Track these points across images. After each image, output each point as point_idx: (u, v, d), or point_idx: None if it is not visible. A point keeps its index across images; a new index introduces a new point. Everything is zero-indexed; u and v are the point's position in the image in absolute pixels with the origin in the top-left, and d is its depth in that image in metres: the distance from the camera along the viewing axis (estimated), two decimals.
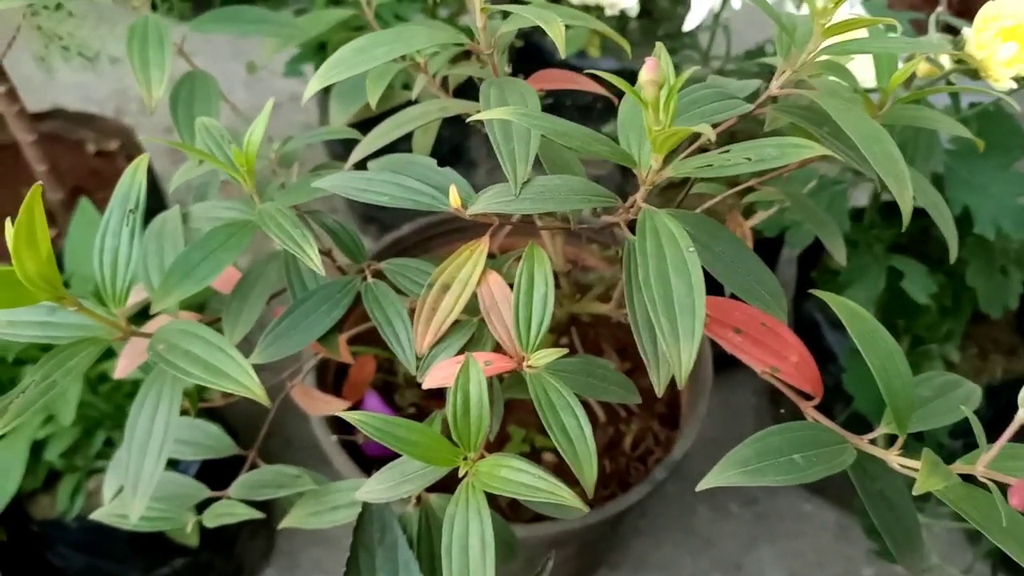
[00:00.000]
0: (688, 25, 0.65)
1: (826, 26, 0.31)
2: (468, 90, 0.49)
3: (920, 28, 0.65)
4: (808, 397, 0.38)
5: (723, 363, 0.64)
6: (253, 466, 0.48)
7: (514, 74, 0.42)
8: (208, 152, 0.38)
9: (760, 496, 0.86)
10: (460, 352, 0.37)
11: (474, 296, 0.36)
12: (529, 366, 0.34)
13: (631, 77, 0.87)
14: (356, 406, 0.61)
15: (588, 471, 0.32)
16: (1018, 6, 0.51)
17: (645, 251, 0.28)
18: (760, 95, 0.41)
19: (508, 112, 0.28)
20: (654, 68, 0.25)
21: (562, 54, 0.31)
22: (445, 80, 0.47)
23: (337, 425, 0.60)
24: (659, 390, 0.32)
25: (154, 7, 0.43)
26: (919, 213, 0.67)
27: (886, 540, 0.38)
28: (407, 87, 0.49)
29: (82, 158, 0.86)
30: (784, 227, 0.70)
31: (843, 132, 0.32)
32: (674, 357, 0.27)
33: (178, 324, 0.35)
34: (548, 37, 0.76)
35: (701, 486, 0.31)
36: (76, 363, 0.33)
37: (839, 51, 0.33)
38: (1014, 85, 0.52)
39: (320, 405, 0.54)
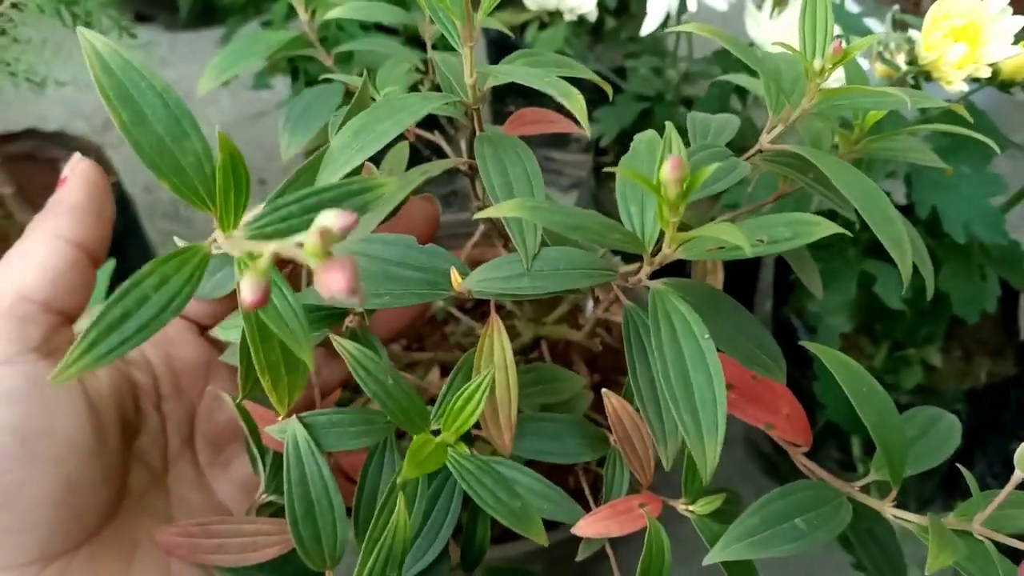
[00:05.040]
0: (645, 29, 0.67)
1: (825, 91, 0.33)
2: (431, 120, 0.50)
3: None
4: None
5: None
6: None
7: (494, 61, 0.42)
8: None
9: (748, 503, 0.89)
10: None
11: None
12: (693, 511, 0.37)
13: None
14: None
15: None
16: (970, 4, 0.53)
17: (661, 343, 0.29)
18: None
19: (519, 208, 0.29)
20: (678, 167, 0.26)
21: (586, 130, 0.32)
22: None
23: None
24: (667, 464, 0.34)
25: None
26: (899, 211, 0.71)
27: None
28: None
29: (54, 177, 0.85)
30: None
31: (826, 177, 0.34)
32: (698, 454, 0.29)
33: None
34: (526, 35, 0.77)
35: (707, 560, 0.33)
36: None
37: (832, 108, 0.35)
38: (966, 87, 0.54)
39: None
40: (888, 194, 0.72)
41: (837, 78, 0.46)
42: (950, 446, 0.42)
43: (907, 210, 0.69)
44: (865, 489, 0.39)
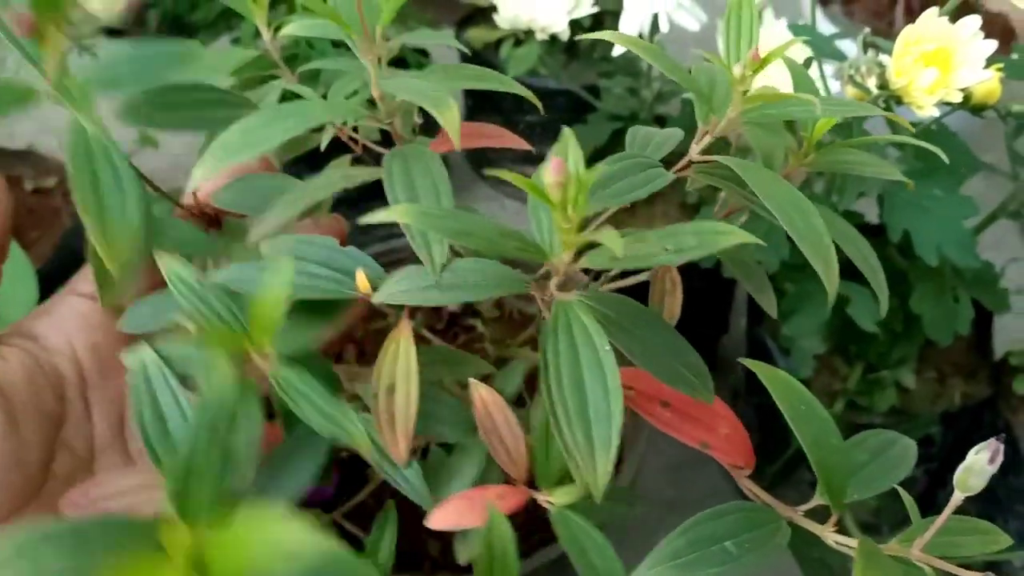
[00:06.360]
0: (617, 50, 0.65)
1: (748, 96, 0.32)
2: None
3: (882, 36, 0.66)
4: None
5: None
6: None
7: None
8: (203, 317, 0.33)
9: None
10: (474, 483, 0.37)
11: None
12: (551, 502, 0.34)
13: (570, 96, 0.86)
14: None
15: None
16: (941, 29, 0.51)
17: (558, 353, 0.28)
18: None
19: (407, 214, 0.28)
20: (560, 169, 0.25)
21: (456, 145, 0.30)
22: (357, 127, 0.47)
23: None
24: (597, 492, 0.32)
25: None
26: (871, 232, 0.69)
27: None
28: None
29: (19, 195, 0.85)
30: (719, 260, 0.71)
31: None
32: (589, 470, 0.27)
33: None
34: (500, 52, 0.76)
35: None
36: None
37: (759, 117, 0.33)
38: (937, 112, 0.52)
39: None
40: (862, 215, 0.71)
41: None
42: (903, 470, 0.40)
43: (880, 231, 0.67)
44: (815, 515, 0.36)
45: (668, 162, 0.37)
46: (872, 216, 0.69)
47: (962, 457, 0.37)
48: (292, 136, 0.31)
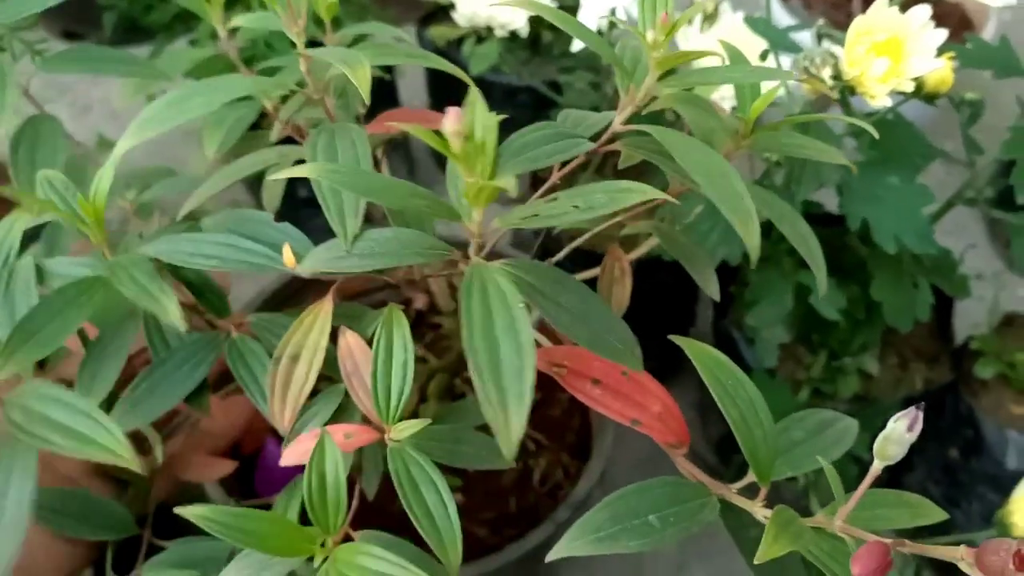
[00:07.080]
0: (576, 45, 0.65)
1: (660, 60, 0.31)
2: None
3: (840, 27, 0.65)
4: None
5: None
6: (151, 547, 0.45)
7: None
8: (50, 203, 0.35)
9: None
10: (328, 422, 0.37)
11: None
12: (391, 439, 0.34)
13: (532, 93, 0.85)
14: (255, 456, 0.59)
15: (452, 553, 0.31)
16: (893, 18, 0.51)
17: (471, 312, 0.27)
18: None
19: (315, 171, 0.27)
20: (456, 119, 0.24)
21: (365, 99, 0.30)
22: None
23: (235, 483, 0.58)
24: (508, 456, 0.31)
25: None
26: (832, 221, 0.68)
27: None
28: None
29: None
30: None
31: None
32: (501, 425, 0.26)
33: (37, 387, 0.32)
34: (463, 49, 0.76)
35: (550, 557, 0.30)
36: None
37: (678, 85, 0.33)
38: (889, 102, 0.52)
39: (201, 470, 0.51)
40: (821, 204, 0.71)
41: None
42: (840, 449, 0.40)
43: (840, 220, 0.67)
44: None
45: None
46: (832, 206, 0.69)
47: (924, 441, 0.37)
48: (216, 107, 0.31)
